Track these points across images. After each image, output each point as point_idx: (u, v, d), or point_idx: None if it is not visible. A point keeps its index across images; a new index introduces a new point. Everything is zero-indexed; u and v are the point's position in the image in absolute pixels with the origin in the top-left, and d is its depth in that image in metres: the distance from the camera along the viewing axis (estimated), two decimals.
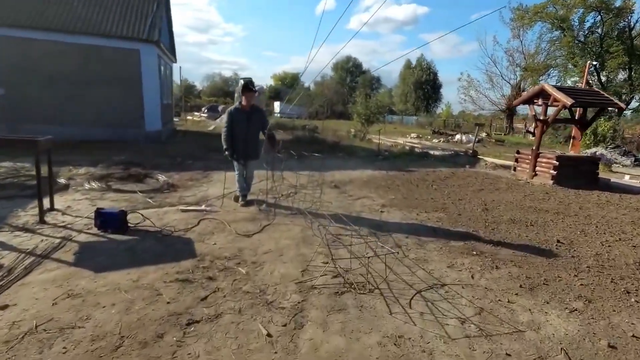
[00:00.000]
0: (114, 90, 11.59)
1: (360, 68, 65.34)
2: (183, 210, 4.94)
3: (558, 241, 4.51)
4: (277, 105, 41.56)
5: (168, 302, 2.66)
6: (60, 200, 5.09)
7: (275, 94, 54.80)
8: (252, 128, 5.20)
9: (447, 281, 3.29)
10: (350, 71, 65.01)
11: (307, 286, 3.04)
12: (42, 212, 4.20)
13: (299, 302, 2.78)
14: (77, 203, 5.03)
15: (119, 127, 11.76)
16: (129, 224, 4.24)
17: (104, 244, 3.69)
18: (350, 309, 2.74)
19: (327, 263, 3.47)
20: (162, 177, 6.90)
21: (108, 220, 4.03)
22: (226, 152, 5.20)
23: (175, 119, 24.52)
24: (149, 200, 5.45)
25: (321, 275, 3.23)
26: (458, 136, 23.42)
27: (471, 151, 13.20)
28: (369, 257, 3.44)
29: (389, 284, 3.14)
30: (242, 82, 5.07)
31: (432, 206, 5.97)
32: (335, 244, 3.94)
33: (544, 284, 3.34)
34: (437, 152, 14.03)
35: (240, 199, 5.47)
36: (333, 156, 11.50)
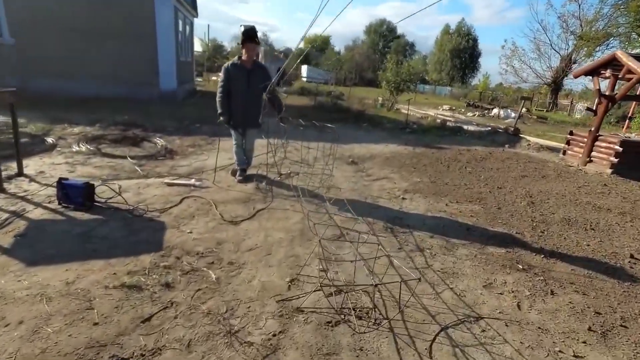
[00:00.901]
0: (127, 45, 10.82)
1: (394, 32, 61.49)
2: (168, 184, 4.23)
3: (632, 256, 3.49)
4: (304, 69, 39.92)
5: (96, 323, 1.96)
6: (36, 164, 4.50)
7: (305, 57, 52.76)
8: (253, 89, 4.30)
9: (483, 311, 2.43)
10: (383, 35, 61.37)
11: (291, 307, 2.27)
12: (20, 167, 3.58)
13: (274, 335, 2.01)
14: (54, 168, 4.42)
15: (133, 85, 11.10)
16: (99, 199, 3.58)
17: (56, 225, 3.04)
18: (344, 352, 1.95)
19: (323, 271, 2.67)
20: (160, 142, 6.21)
21: (70, 194, 3.37)
22: (221, 118, 4.36)
23: (198, 79, 23.84)
24: (137, 168, 4.78)
25: (313, 291, 2.44)
26: (495, 110, 21.45)
27: (512, 128, 11.74)
28: (377, 284, 2.60)
29: (404, 312, 2.32)
30: (242, 28, 4.12)
31: (465, 195, 4.98)
32: (340, 242, 3.13)
33: (621, 325, 2.42)
34: (471, 128, 12.65)
35: (237, 174, 4.69)
36: (355, 127, 10.47)
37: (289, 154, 5.17)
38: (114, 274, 2.42)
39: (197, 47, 27.69)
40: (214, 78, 26.62)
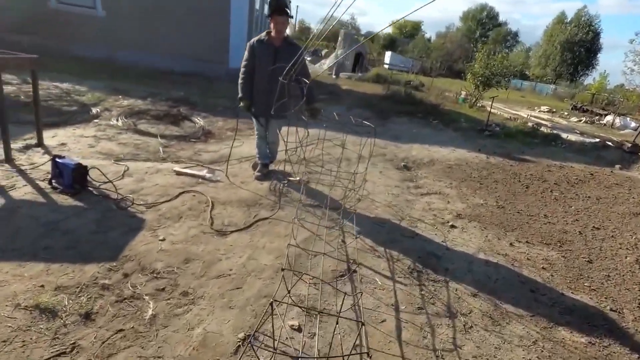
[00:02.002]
0: (201, 21, 10.93)
1: (495, 20, 55.35)
2: (177, 173, 3.81)
3: None
4: (388, 55, 38.02)
5: None
6: (65, 134, 4.44)
7: (390, 42, 50.41)
8: (280, 71, 3.60)
9: None
10: (481, 22, 55.65)
11: None
12: (8, 149, 3.48)
13: None
14: (77, 141, 4.30)
15: (202, 61, 11.24)
16: (95, 182, 3.27)
17: (30, 208, 2.76)
18: None
19: (295, 332, 1.93)
20: (199, 122, 5.93)
21: (62, 174, 3.10)
22: (241, 104, 3.77)
23: None
24: (160, 149, 4.48)
25: None
26: (609, 118, 17.72)
27: (630, 144, 9.32)
28: None
29: None
30: None
31: (541, 232, 3.74)
32: (341, 282, 2.35)
33: None
34: (572, 137, 10.41)
35: (257, 169, 4.10)
36: (424, 123, 9.21)
37: (323, 153, 4.41)
38: (42, 286, 1.99)
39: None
40: None
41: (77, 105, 5.75)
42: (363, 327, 2.00)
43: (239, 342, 1.83)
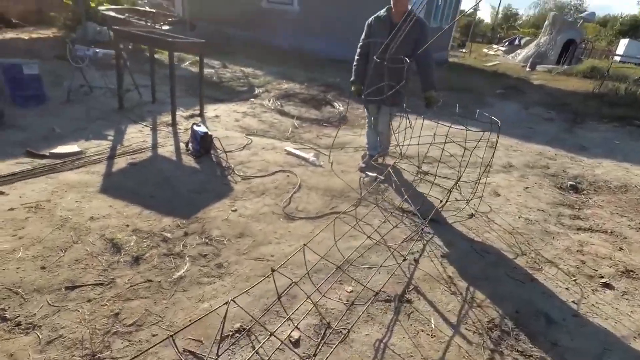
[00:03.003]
0: (370, 7, 11.00)
1: None
2: (287, 152, 3.96)
3: None
4: (623, 43, 29.03)
5: (43, 268, 1.97)
6: (224, 108, 5.29)
7: (632, 27, 38.25)
8: (399, 51, 3.17)
9: None
10: None
11: None
12: (174, 116, 4.37)
13: None
14: (229, 115, 5.05)
15: None
16: (220, 150, 3.76)
17: (164, 163, 3.39)
18: None
19: None
20: (339, 108, 6.01)
21: (194, 138, 3.69)
22: (352, 88, 3.53)
23: (463, 50, 22.01)
24: (290, 129, 4.78)
25: None
26: None
27: None
28: None
29: None
30: None
31: None
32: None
33: None
34: None
35: (363, 159, 3.82)
36: (639, 135, 6.61)
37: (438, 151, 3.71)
38: (127, 225, 2.42)
39: (486, 15, 25.10)
40: (484, 50, 23.83)
41: (247, 86, 6.77)
42: None
43: (231, 332, 1.73)
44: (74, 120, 4.11)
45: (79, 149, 3.39)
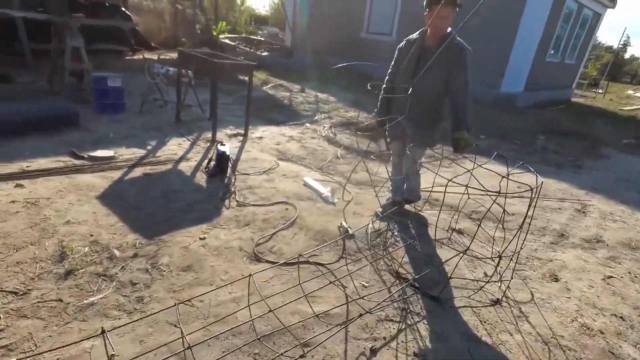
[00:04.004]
0: (478, 37, 9.99)
1: None
2: (304, 183, 3.63)
3: None
4: None
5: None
6: (273, 130, 5.26)
7: None
8: (429, 81, 2.61)
9: None
10: None
11: None
12: (214, 133, 4.46)
13: None
14: (273, 137, 4.98)
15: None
16: (237, 172, 3.66)
17: (176, 177, 3.41)
18: None
19: None
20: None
21: (215, 156, 3.66)
22: (375, 120, 3.05)
23: (597, 90, 18.66)
24: (331, 158, 4.47)
25: None
26: None
27: None
28: None
29: None
30: None
31: None
32: None
33: None
34: None
35: (387, 201, 3.25)
36: None
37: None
38: (91, 235, 2.40)
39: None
40: (631, 92, 19.79)
41: (312, 111, 6.71)
42: None
43: None
44: (132, 128, 4.53)
45: (112, 154, 3.66)
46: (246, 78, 7.50)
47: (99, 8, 10.38)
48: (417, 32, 2.71)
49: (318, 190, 3.46)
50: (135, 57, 9.86)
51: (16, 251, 2.15)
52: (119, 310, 1.86)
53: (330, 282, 2.13)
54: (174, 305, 1.63)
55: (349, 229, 2.78)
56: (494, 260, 2.53)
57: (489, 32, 9.69)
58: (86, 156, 3.57)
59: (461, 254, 2.23)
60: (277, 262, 2.35)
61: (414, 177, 3.05)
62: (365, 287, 2.25)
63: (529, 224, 2.79)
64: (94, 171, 3.30)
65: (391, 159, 3.24)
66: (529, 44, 9.51)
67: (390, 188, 3.31)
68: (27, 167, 3.20)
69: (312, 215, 3.03)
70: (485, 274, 2.50)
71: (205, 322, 1.83)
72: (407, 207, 3.24)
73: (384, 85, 2.97)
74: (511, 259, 2.35)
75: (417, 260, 2.57)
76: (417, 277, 2.33)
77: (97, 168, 3.35)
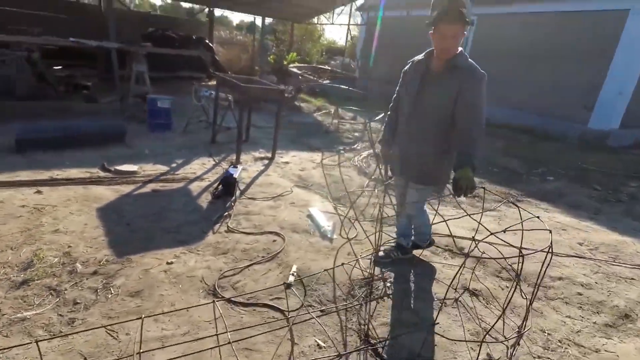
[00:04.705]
0: (560, 67, 8.85)
1: None
2: (308, 215, 3.34)
3: None
4: None
5: None
6: (303, 156, 5.13)
7: None
8: (433, 108, 2.21)
9: None
10: None
11: None
12: (238, 156, 4.45)
13: None
14: (301, 163, 4.83)
15: (550, 116, 9.05)
16: (244, 196, 3.56)
17: (182, 195, 3.41)
18: None
19: None
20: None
21: (222, 179, 3.61)
22: (382, 148, 2.67)
23: None
24: (353, 189, 4.15)
25: None
26: None
27: None
28: None
29: None
30: None
31: None
32: None
33: None
34: None
35: (388, 247, 2.80)
36: None
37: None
38: (69, 246, 2.44)
39: None
40: None
41: (354, 139, 6.46)
42: None
43: None
44: (169, 147, 4.77)
45: (135, 169, 3.85)
46: (302, 104, 7.61)
47: (187, 41, 11.69)
48: (423, 54, 2.34)
49: (319, 224, 3.15)
50: (210, 83, 10.73)
51: None
52: (45, 330, 1.78)
53: (273, 329, 1.80)
54: (112, 334, 1.48)
55: (292, 274, 2.38)
56: (506, 340, 1.94)
57: (575, 59, 8.55)
58: (112, 169, 3.80)
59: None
60: (222, 298, 2.09)
61: (418, 215, 2.58)
62: (320, 348, 1.87)
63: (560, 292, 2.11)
64: (110, 184, 3.46)
65: (395, 194, 2.81)
66: (628, 73, 8.08)
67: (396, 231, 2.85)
68: (56, 175, 3.50)
69: (299, 250, 2.73)
70: (489, 357, 1.92)
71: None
72: (415, 252, 2.76)
73: (389, 113, 2.62)
74: (517, 343, 1.76)
75: (402, 323, 2.10)
76: (385, 342, 1.87)
77: (113, 182, 3.52)
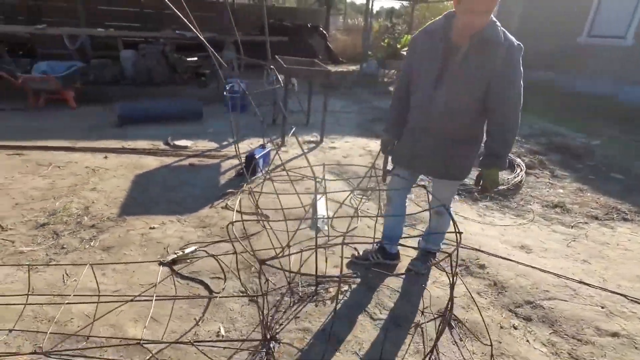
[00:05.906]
0: None
1: None
2: (311, 202, 3.14)
3: None
4: None
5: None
6: (354, 143, 4.84)
7: None
8: (459, 95, 1.77)
9: None
10: None
11: None
12: (283, 138, 4.50)
13: None
14: (350, 149, 4.57)
15: None
16: (261, 173, 3.64)
17: (205, 172, 3.68)
18: None
19: None
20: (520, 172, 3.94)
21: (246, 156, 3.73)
22: (383, 136, 2.24)
23: None
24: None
25: None
26: None
27: None
28: None
29: None
30: None
31: None
32: None
33: None
34: None
35: (371, 250, 2.41)
36: None
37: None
38: (86, 208, 2.93)
39: None
40: None
41: None
42: None
43: None
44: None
45: (189, 144, 4.31)
46: (391, 88, 7.16)
47: (300, 29, 12.29)
48: (442, 18, 1.82)
49: (316, 213, 2.94)
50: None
51: (41, 200, 2.88)
52: (30, 263, 2.20)
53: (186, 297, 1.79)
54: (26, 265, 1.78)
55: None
56: None
57: None
58: (172, 144, 4.35)
59: None
60: (164, 262, 2.17)
61: (442, 213, 2.10)
62: (217, 335, 1.77)
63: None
64: (160, 156, 3.97)
65: (387, 189, 2.37)
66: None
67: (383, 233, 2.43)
68: (128, 145, 4.20)
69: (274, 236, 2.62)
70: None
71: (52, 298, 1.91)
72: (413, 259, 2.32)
73: (394, 94, 2.15)
74: None
75: (323, 332, 1.80)
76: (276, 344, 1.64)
77: (164, 154, 4.03)
